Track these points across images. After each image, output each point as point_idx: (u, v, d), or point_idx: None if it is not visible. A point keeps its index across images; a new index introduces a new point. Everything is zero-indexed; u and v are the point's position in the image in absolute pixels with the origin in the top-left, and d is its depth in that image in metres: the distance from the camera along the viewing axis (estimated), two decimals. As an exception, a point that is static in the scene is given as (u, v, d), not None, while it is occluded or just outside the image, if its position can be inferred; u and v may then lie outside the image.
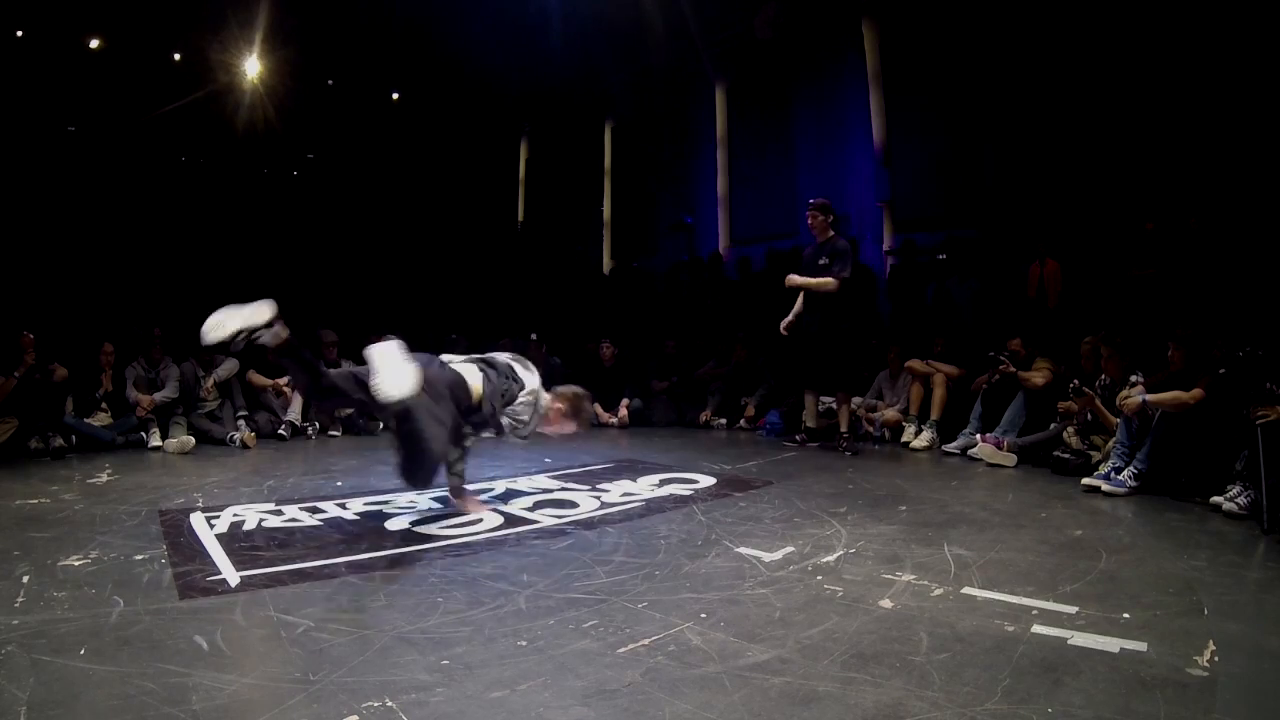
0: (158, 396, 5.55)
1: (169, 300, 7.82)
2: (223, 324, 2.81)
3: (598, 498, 3.77)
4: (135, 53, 9.66)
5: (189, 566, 2.62)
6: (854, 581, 2.51)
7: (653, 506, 3.63)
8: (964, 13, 7.41)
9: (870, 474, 4.49)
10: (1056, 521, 3.33)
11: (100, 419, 5.47)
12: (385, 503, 3.61)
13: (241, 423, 5.74)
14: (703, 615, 2.21)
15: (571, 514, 3.45)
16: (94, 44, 9.48)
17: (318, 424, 6.12)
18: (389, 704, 1.67)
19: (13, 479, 4.16)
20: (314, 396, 3.44)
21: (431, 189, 12.04)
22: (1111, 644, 1.99)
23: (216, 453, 5.26)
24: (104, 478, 4.26)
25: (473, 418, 3.28)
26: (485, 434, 3.41)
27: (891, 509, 3.55)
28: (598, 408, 6.96)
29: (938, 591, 2.41)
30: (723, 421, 6.77)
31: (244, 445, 5.43)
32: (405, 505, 3.55)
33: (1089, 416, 4.51)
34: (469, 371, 3.31)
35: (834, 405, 5.99)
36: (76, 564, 2.62)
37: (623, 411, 6.83)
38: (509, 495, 3.80)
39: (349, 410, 6.17)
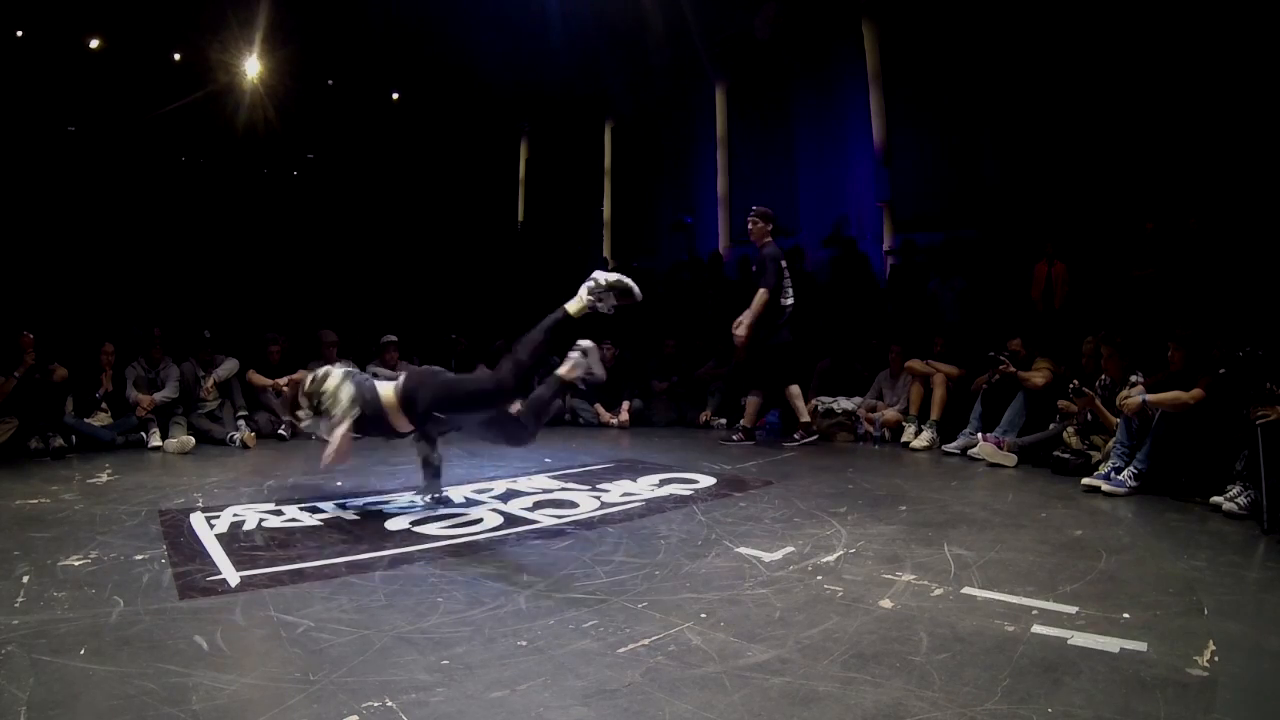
0: (158, 396, 5.55)
1: (169, 300, 7.83)
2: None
3: (598, 498, 3.77)
4: (135, 53, 9.66)
5: (189, 566, 2.62)
6: (854, 581, 2.51)
7: (653, 506, 3.63)
8: (964, 12, 7.42)
9: (870, 474, 4.49)
10: (1056, 521, 3.33)
11: (100, 419, 5.46)
12: (385, 503, 3.61)
13: (241, 423, 5.74)
14: (703, 615, 2.21)
15: (571, 514, 3.45)
16: (94, 44, 9.49)
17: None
18: (389, 704, 1.67)
19: (13, 479, 4.16)
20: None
21: (431, 189, 12.05)
22: (1111, 644, 1.99)
23: (216, 453, 5.26)
24: (104, 478, 4.26)
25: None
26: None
27: (891, 509, 3.55)
28: (598, 408, 6.98)
29: (938, 591, 2.41)
30: (723, 421, 6.76)
31: (244, 445, 5.43)
32: (405, 505, 3.55)
33: (1089, 416, 4.51)
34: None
35: (834, 406, 6.01)
36: (76, 564, 2.62)
37: (624, 414, 6.83)
38: (509, 495, 3.80)
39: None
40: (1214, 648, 1.97)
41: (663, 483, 4.14)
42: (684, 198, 10.63)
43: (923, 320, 6.58)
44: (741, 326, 5.48)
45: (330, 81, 11.42)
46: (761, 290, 5.47)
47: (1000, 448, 4.77)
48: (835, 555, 2.81)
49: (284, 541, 2.96)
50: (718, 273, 8.91)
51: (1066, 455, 4.46)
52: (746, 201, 9.72)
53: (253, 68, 10.19)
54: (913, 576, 2.55)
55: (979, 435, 4.99)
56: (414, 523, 3.24)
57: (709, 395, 7.01)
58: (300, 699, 1.69)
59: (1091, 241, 6.10)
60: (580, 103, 11.73)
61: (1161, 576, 2.59)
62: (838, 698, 1.72)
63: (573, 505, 3.62)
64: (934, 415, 5.54)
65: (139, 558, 2.71)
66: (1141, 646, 1.98)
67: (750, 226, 5.72)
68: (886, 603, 2.32)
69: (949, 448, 5.24)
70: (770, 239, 5.68)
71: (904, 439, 5.62)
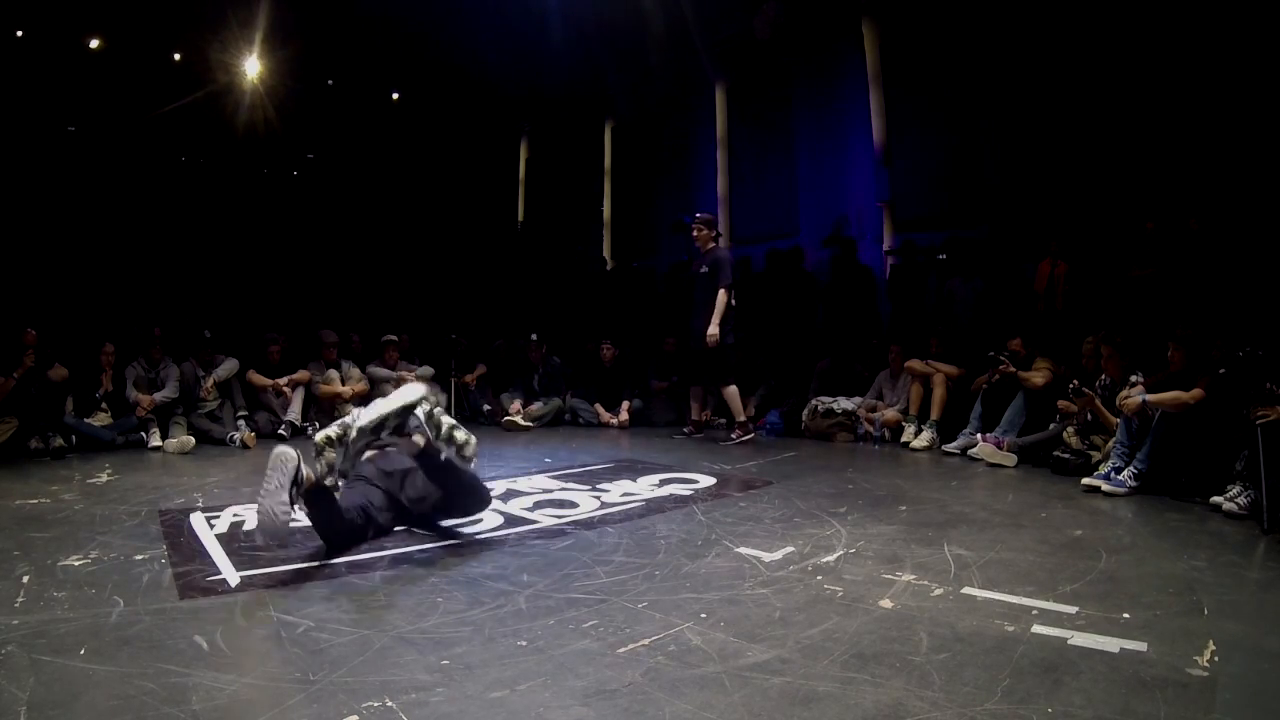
0: (158, 396, 5.56)
1: (169, 300, 7.84)
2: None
3: (598, 498, 3.77)
4: (135, 53, 9.65)
5: (189, 566, 2.62)
6: (854, 581, 2.51)
7: (653, 506, 3.63)
8: (964, 12, 7.41)
9: (870, 474, 4.49)
10: (1056, 521, 3.33)
11: (100, 419, 5.47)
12: (385, 503, 3.60)
13: (241, 423, 5.74)
14: (703, 615, 2.21)
15: (571, 514, 3.45)
16: (94, 44, 9.48)
17: (317, 424, 6.11)
18: (389, 704, 1.67)
19: (13, 479, 4.16)
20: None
21: (431, 189, 12.03)
22: (1111, 644, 1.99)
23: (216, 453, 5.26)
24: (104, 478, 4.27)
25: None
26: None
27: (891, 509, 3.55)
28: (598, 408, 6.98)
29: (938, 591, 2.41)
30: (723, 421, 6.77)
31: (244, 445, 5.43)
32: (405, 505, 3.54)
33: (1089, 416, 4.51)
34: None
35: (834, 406, 6.01)
36: (76, 564, 2.62)
37: (624, 414, 6.83)
38: (509, 495, 3.80)
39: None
40: (1214, 648, 1.97)
41: (663, 483, 4.14)
42: (684, 198, 10.61)
43: (924, 320, 6.57)
44: (714, 328, 5.71)
45: (330, 81, 11.41)
46: (723, 290, 5.75)
47: (1000, 448, 4.77)
48: (835, 555, 2.81)
49: (284, 541, 2.95)
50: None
51: (1066, 455, 4.46)
52: (746, 201, 9.78)
53: (253, 68, 10.17)
54: (913, 576, 2.55)
55: (979, 435, 4.99)
56: (414, 523, 3.23)
57: (709, 395, 7.00)
58: (300, 699, 1.68)
59: (1092, 241, 6.09)
60: (580, 103, 11.72)
61: (1161, 576, 2.59)
62: (838, 698, 1.72)
63: (573, 505, 3.62)
64: (934, 415, 5.55)
65: (139, 558, 2.71)
66: (1141, 646, 1.98)
67: (695, 233, 6.09)
68: (886, 603, 2.31)
69: (949, 448, 5.24)
70: (714, 243, 6.08)
71: (904, 439, 5.62)
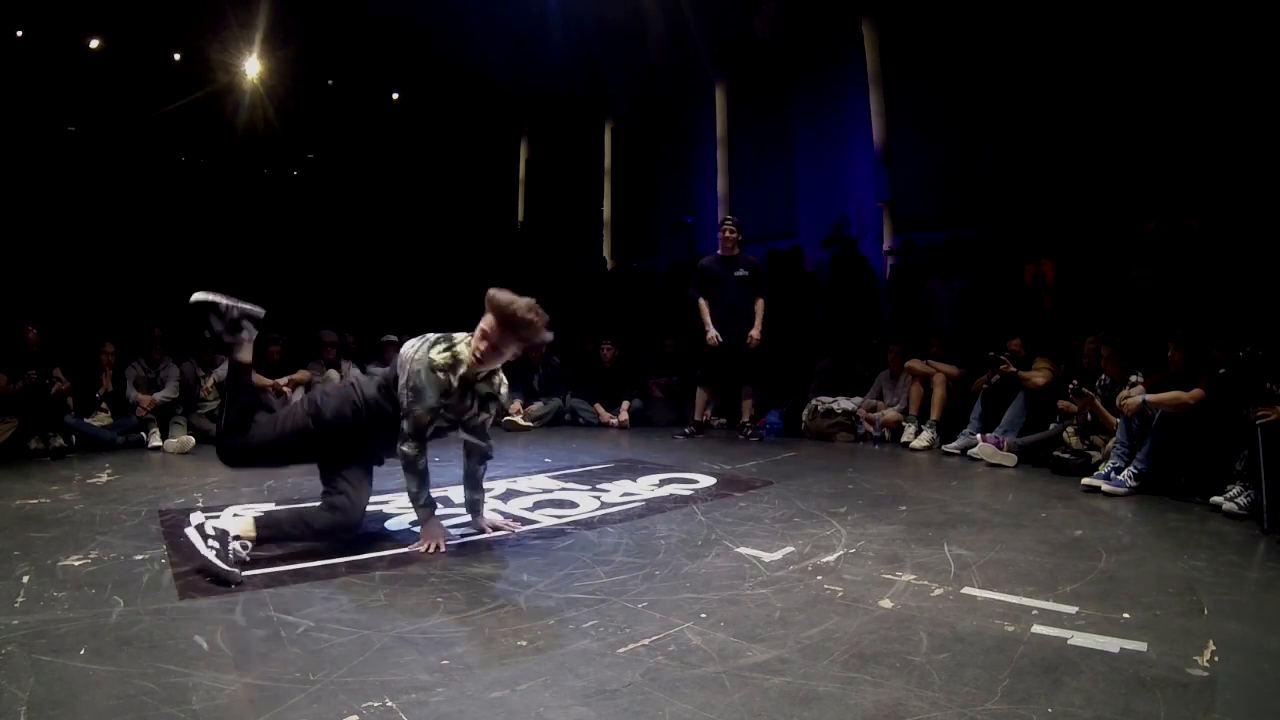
0: (158, 396, 5.55)
1: (169, 300, 7.80)
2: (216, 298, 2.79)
3: (598, 498, 3.77)
4: (135, 53, 9.65)
5: (189, 566, 2.62)
6: (854, 581, 2.51)
7: (653, 506, 3.63)
8: (964, 13, 7.42)
9: (870, 474, 4.49)
10: (1056, 521, 3.33)
11: (100, 419, 5.47)
12: (385, 503, 3.60)
13: (241, 423, 5.74)
14: (703, 615, 2.21)
15: (571, 514, 3.45)
16: (94, 44, 9.48)
17: (318, 424, 6.12)
18: (389, 704, 1.67)
19: (13, 479, 4.16)
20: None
21: (431, 189, 12.04)
22: (1111, 644, 1.99)
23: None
24: (104, 478, 4.27)
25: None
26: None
27: (891, 509, 3.55)
28: (598, 408, 6.99)
29: (938, 591, 2.41)
30: (723, 421, 6.77)
31: (244, 445, 5.43)
32: (405, 505, 3.53)
33: (1089, 416, 4.51)
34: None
35: (834, 406, 6.01)
36: (76, 564, 2.62)
37: (624, 414, 6.83)
38: (509, 495, 3.80)
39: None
40: (1214, 648, 1.97)
41: (663, 483, 4.14)
42: (684, 198, 10.62)
43: (922, 320, 6.58)
44: (757, 331, 5.81)
45: (330, 81, 11.41)
46: (761, 300, 5.88)
47: (1000, 448, 4.77)
48: (835, 555, 2.81)
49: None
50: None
51: (1066, 455, 4.46)
52: (746, 201, 9.78)
53: (253, 68, 10.18)
54: (913, 576, 2.55)
55: (979, 435, 4.99)
56: (414, 523, 3.23)
57: (715, 397, 6.99)
58: (300, 699, 1.68)
59: (1092, 241, 6.10)
60: (580, 103, 11.72)
61: (1161, 576, 2.59)
62: (838, 698, 1.72)
63: (573, 505, 3.62)
64: (934, 415, 5.55)
65: (139, 558, 2.71)
66: (1141, 646, 1.98)
67: (728, 234, 5.98)
68: (886, 603, 2.32)
69: (949, 448, 5.25)
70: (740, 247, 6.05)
71: (904, 439, 5.63)
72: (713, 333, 5.82)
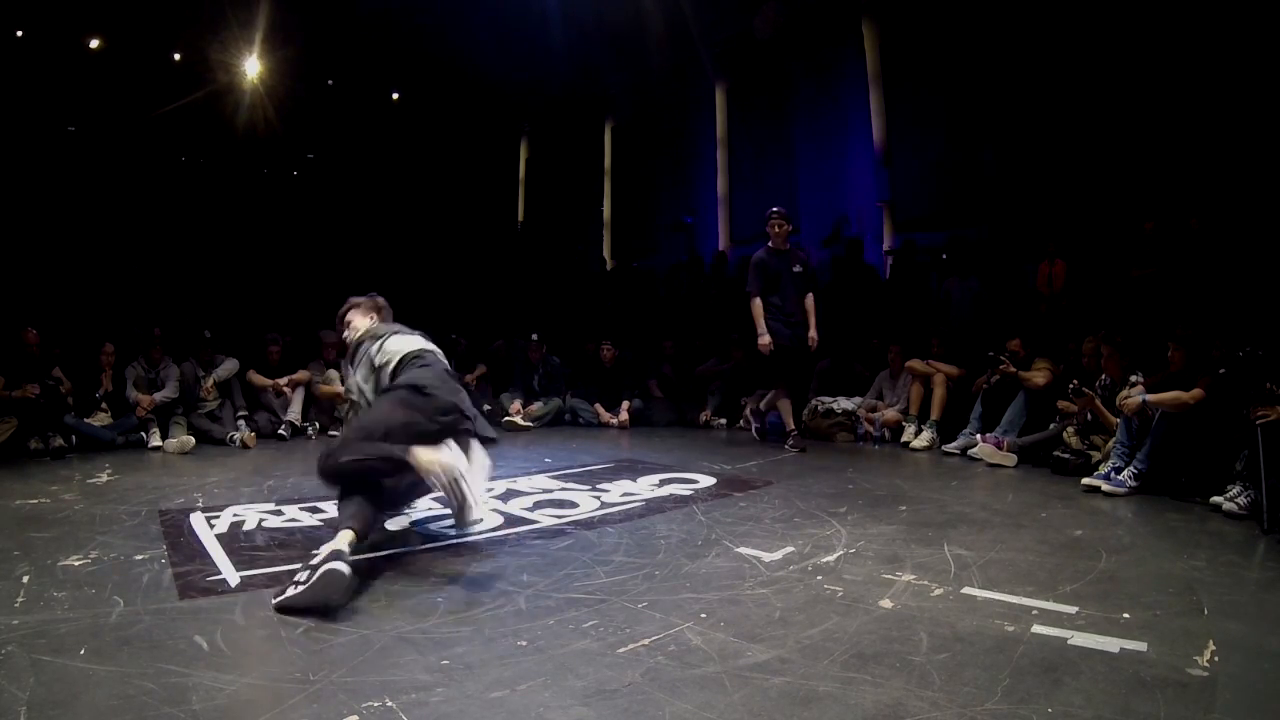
0: (158, 396, 5.55)
1: (169, 300, 7.83)
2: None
3: (598, 498, 3.77)
4: (135, 53, 9.66)
5: (189, 566, 2.62)
6: (854, 581, 2.51)
7: (653, 506, 3.63)
8: (964, 12, 7.42)
9: (870, 474, 4.49)
10: (1056, 521, 3.33)
11: (100, 419, 5.46)
12: (385, 503, 3.60)
13: (241, 423, 5.74)
14: (703, 615, 2.21)
15: (571, 514, 3.45)
16: (94, 44, 9.49)
17: (318, 424, 6.13)
18: (389, 704, 1.67)
19: (13, 479, 4.16)
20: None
21: (431, 189, 12.05)
22: (1111, 644, 1.99)
23: (216, 453, 5.26)
24: (104, 478, 4.26)
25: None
26: None
27: (891, 509, 3.55)
28: (598, 408, 6.99)
29: (938, 591, 2.41)
30: (723, 421, 6.77)
31: (244, 445, 5.43)
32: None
33: (1089, 416, 4.51)
34: None
35: (834, 406, 6.01)
36: (76, 564, 2.62)
37: (624, 414, 6.84)
38: (509, 495, 3.80)
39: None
40: (1214, 648, 1.97)
41: (663, 483, 4.14)
42: (684, 198, 10.63)
43: (926, 320, 6.58)
44: (815, 332, 5.47)
45: (330, 81, 11.42)
46: (812, 296, 5.53)
47: (1000, 448, 4.77)
48: (835, 555, 2.81)
49: (284, 541, 2.96)
50: (721, 273, 8.91)
51: (1066, 455, 4.46)
52: (746, 201, 9.79)
53: (253, 68, 10.19)
54: (913, 576, 2.55)
55: (979, 435, 4.99)
56: (414, 523, 3.24)
57: (709, 395, 7.01)
58: (300, 699, 1.68)
59: (1092, 241, 6.10)
60: (580, 103, 11.73)
61: (1161, 576, 2.59)
62: (838, 698, 1.72)
63: (573, 505, 3.62)
64: (934, 415, 5.54)
65: (139, 558, 2.71)
66: (1141, 646, 1.98)
67: (777, 229, 5.57)
68: (886, 603, 2.31)
69: (949, 448, 5.24)
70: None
71: (904, 439, 5.62)
72: (766, 338, 5.34)
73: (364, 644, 1.98)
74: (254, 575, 2.53)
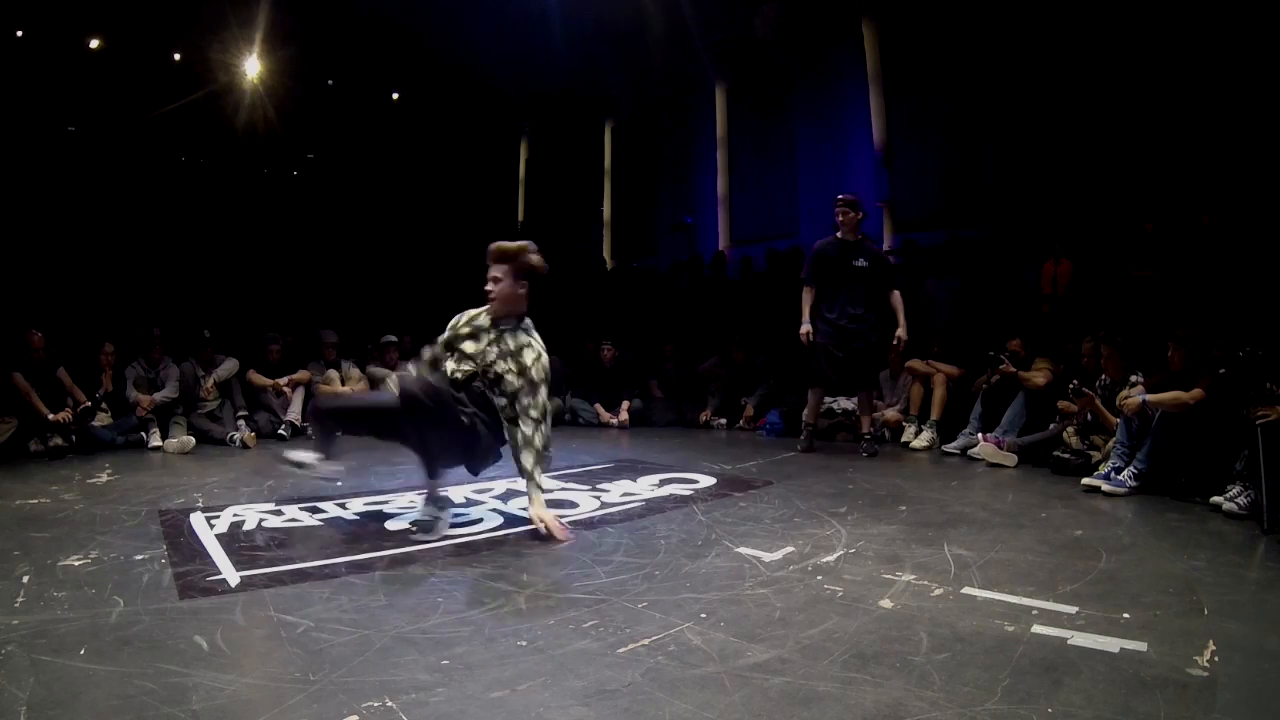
0: (158, 396, 5.55)
1: (169, 300, 7.83)
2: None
3: (598, 498, 3.77)
4: (135, 53, 9.66)
5: (189, 566, 2.62)
6: (854, 581, 2.51)
7: (653, 506, 3.63)
8: (964, 13, 7.42)
9: (870, 474, 4.49)
10: (1056, 521, 3.33)
11: (100, 419, 5.47)
12: (385, 503, 3.61)
13: (241, 423, 5.74)
14: (703, 615, 2.21)
15: (571, 514, 3.45)
16: (94, 44, 9.48)
17: (318, 424, 6.12)
18: (389, 704, 1.67)
19: (13, 479, 4.16)
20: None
21: (431, 189, 12.04)
22: (1111, 644, 1.99)
23: (216, 453, 5.26)
24: (104, 478, 4.26)
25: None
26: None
27: (891, 509, 3.55)
28: (598, 408, 6.99)
29: (938, 591, 2.41)
30: (723, 421, 6.77)
31: (244, 445, 5.43)
32: (405, 505, 3.55)
33: (1089, 416, 4.51)
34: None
35: (834, 406, 5.99)
36: (76, 564, 2.62)
37: (624, 414, 6.84)
38: (509, 495, 3.80)
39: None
40: (1214, 648, 1.97)
41: (663, 483, 4.14)
42: (684, 198, 10.63)
43: (923, 320, 6.58)
44: (903, 330, 5.13)
45: (330, 81, 11.42)
46: (898, 292, 5.18)
47: (1000, 448, 4.77)
48: (835, 555, 2.81)
49: (284, 541, 2.96)
50: (720, 273, 8.91)
51: (1066, 455, 4.46)
52: (746, 201, 9.79)
53: (253, 68, 10.18)
54: (913, 576, 2.55)
55: (979, 435, 4.98)
56: (414, 523, 3.23)
57: (709, 395, 7.01)
58: (300, 699, 1.68)
59: (1092, 241, 6.10)
60: (580, 103, 11.73)
61: (1161, 576, 2.59)
62: (838, 698, 1.72)
63: (573, 505, 3.62)
64: (934, 415, 5.54)
65: (139, 558, 2.71)
66: (1141, 646, 1.98)
67: (843, 217, 5.17)
68: (886, 603, 2.32)
69: (949, 448, 5.24)
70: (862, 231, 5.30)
71: (904, 439, 5.62)
72: (806, 327, 5.07)
73: (364, 644, 1.98)
74: (254, 575, 2.53)
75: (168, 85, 9.82)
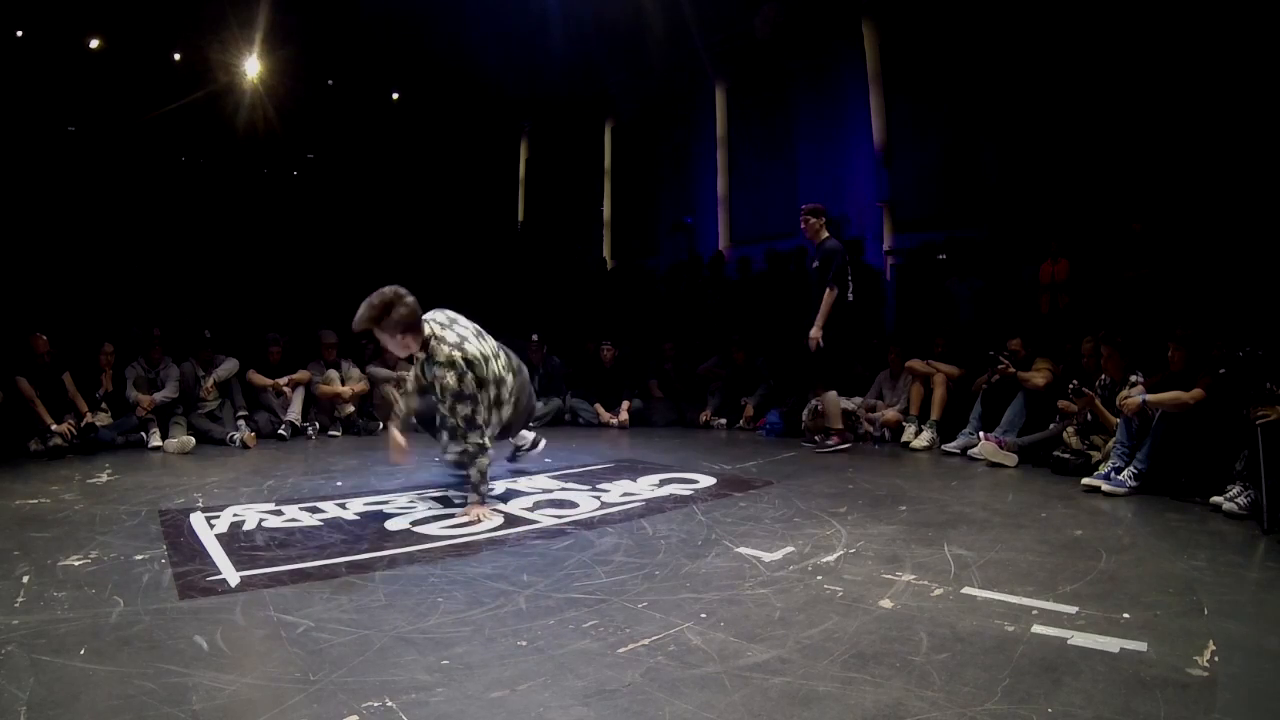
0: (158, 396, 5.55)
1: (169, 300, 7.84)
2: None
3: (598, 498, 3.77)
4: (135, 53, 9.66)
5: (189, 566, 2.62)
6: (854, 581, 2.51)
7: (653, 506, 3.63)
8: (964, 13, 7.42)
9: (870, 474, 4.49)
10: (1056, 521, 3.33)
11: (100, 419, 5.47)
12: (385, 503, 3.61)
13: (241, 423, 5.74)
14: (703, 615, 2.21)
15: (571, 514, 3.45)
16: (94, 44, 9.49)
17: (318, 424, 6.13)
18: (389, 704, 1.67)
19: (13, 479, 4.16)
20: None
21: (431, 189, 12.04)
22: (1111, 644, 1.99)
23: (216, 453, 5.26)
24: (104, 478, 4.27)
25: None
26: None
27: (891, 509, 3.55)
28: (598, 408, 6.99)
29: (938, 591, 2.41)
30: (723, 421, 6.77)
31: (244, 445, 5.43)
32: (405, 505, 3.55)
33: (1089, 416, 4.51)
34: None
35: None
36: (76, 564, 2.62)
37: (624, 414, 6.84)
38: (509, 495, 3.80)
39: (350, 410, 6.24)
40: (1214, 648, 1.97)
41: (663, 483, 4.14)
42: (684, 198, 10.63)
43: (927, 320, 6.58)
44: (816, 330, 5.24)
45: (330, 81, 11.42)
46: (828, 290, 5.25)
47: (1000, 448, 4.77)
48: (835, 555, 2.81)
49: (284, 541, 2.96)
50: (719, 273, 8.91)
51: (1066, 455, 4.46)
52: (746, 201, 9.78)
53: (253, 68, 10.18)
54: (913, 576, 2.55)
55: (979, 435, 4.98)
56: (414, 523, 3.24)
57: (709, 395, 7.01)
58: (300, 699, 1.69)
59: (1092, 241, 6.10)
60: (580, 103, 11.73)
61: (1161, 576, 2.59)
62: (838, 698, 1.72)
63: (573, 505, 3.62)
64: (934, 415, 5.54)
65: (139, 558, 2.71)
66: (1141, 646, 1.98)
67: (803, 225, 5.49)
68: (886, 603, 2.32)
69: (949, 448, 5.24)
70: (827, 233, 5.48)
71: (904, 439, 5.62)
72: (819, 330, 5.24)
73: (364, 644, 1.98)
74: (254, 575, 2.53)
75: (168, 85, 9.82)
